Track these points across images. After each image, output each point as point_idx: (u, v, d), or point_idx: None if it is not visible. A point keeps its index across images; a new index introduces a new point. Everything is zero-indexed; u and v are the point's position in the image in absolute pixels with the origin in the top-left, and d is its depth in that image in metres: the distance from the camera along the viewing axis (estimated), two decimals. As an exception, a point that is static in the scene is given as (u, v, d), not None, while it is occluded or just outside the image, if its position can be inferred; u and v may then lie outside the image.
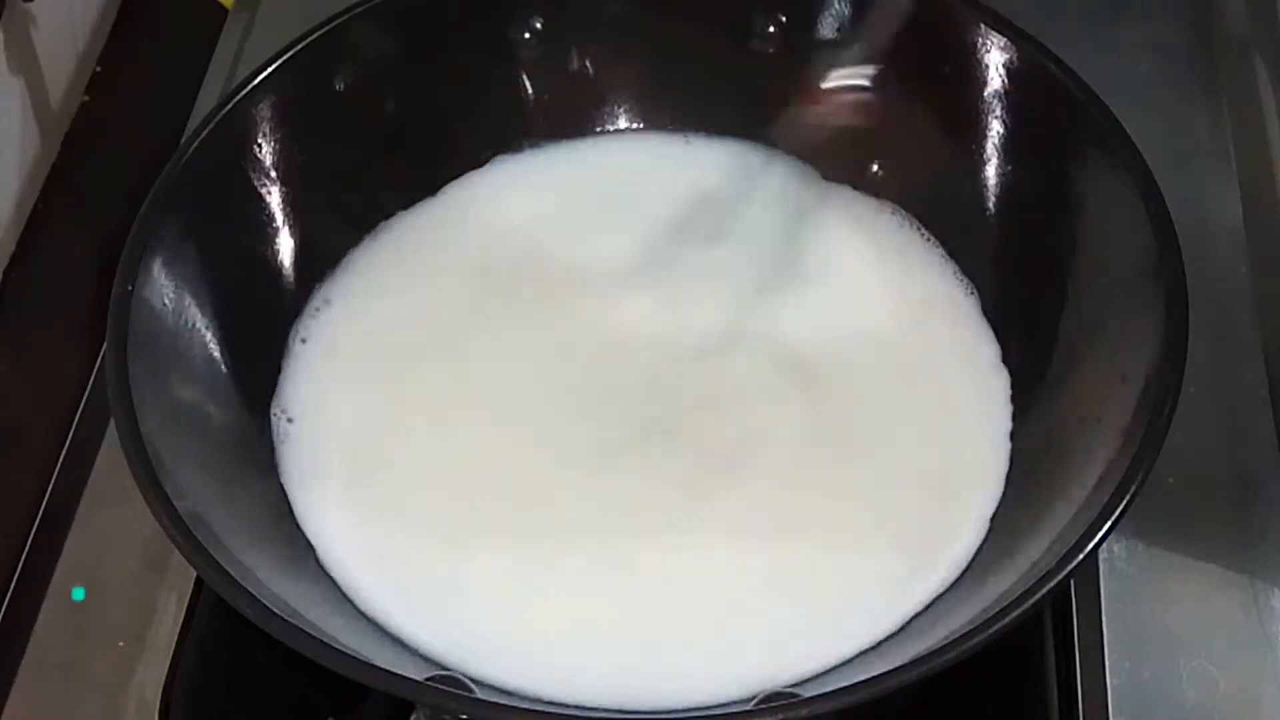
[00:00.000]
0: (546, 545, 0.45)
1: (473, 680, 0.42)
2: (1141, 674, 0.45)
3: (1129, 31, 0.61)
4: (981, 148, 0.50)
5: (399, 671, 0.37)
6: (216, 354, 0.47)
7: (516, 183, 0.54)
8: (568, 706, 0.42)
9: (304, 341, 0.50)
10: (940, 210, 0.52)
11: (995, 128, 0.50)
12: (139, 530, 0.48)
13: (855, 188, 0.53)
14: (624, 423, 0.48)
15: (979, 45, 0.49)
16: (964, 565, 0.44)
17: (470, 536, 0.46)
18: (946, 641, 0.37)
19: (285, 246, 0.50)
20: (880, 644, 0.43)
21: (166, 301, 0.45)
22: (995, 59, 0.49)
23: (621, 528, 0.46)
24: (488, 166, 0.54)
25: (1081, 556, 0.38)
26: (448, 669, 0.42)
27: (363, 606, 0.44)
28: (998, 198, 0.50)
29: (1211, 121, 0.58)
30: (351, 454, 0.48)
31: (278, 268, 0.50)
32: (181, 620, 0.47)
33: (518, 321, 0.50)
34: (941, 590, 0.44)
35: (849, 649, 0.43)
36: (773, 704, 0.38)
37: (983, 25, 0.49)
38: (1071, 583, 0.47)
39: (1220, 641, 0.46)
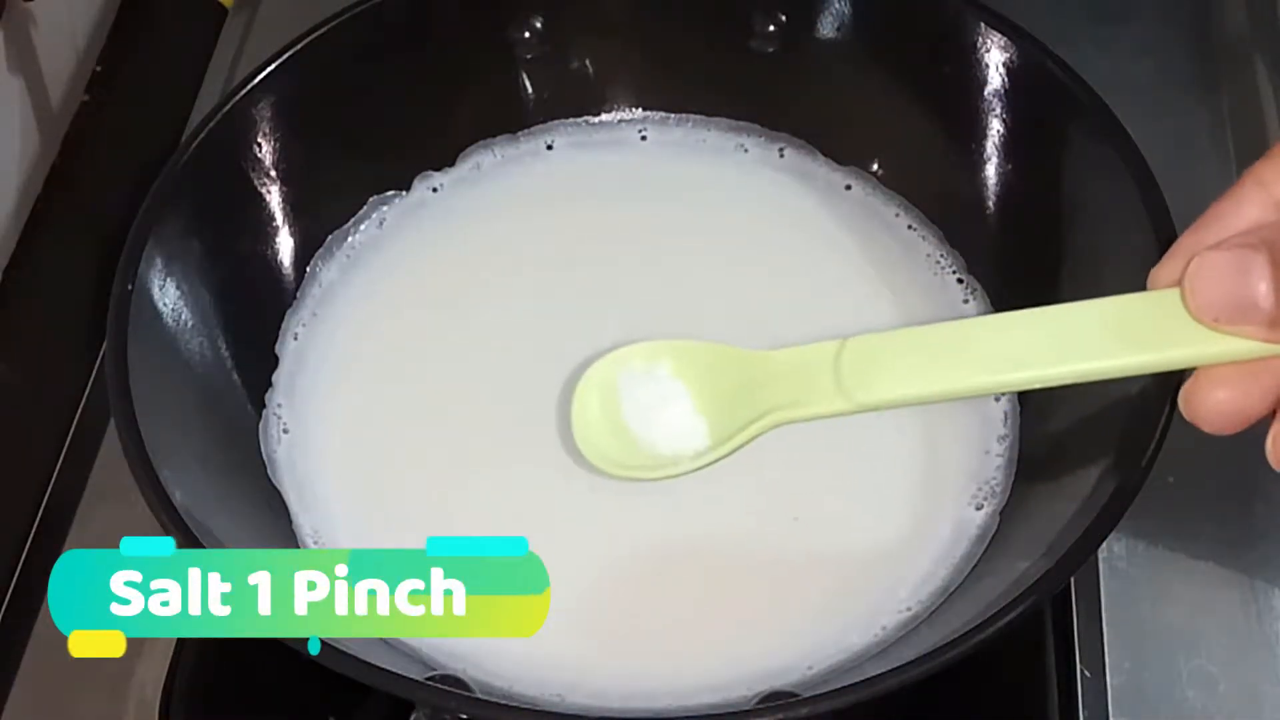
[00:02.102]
0: (548, 545, 0.45)
1: (472, 680, 0.42)
2: (1141, 674, 0.45)
3: (1129, 31, 0.61)
4: (981, 147, 0.50)
5: (399, 671, 0.37)
6: (216, 353, 0.47)
7: (515, 181, 0.54)
8: (567, 706, 0.42)
9: (303, 340, 0.50)
10: (940, 210, 0.52)
11: (995, 127, 0.50)
12: (139, 530, 0.48)
13: (855, 188, 0.53)
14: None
15: (979, 45, 0.49)
16: (964, 566, 0.44)
17: (469, 535, 0.46)
18: (946, 641, 0.37)
19: (285, 245, 0.51)
20: (880, 644, 0.43)
21: (166, 301, 0.45)
22: (995, 59, 0.49)
23: (622, 528, 0.46)
24: (487, 164, 0.54)
25: (1082, 557, 0.38)
26: (448, 669, 0.42)
27: (362, 606, 0.44)
28: (998, 197, 0.50)
29: (1211, 121, 0.58)
30: (349, 452, 0.48)
31: (277, 266, 0.50)
32: (181, 620, 0.47)
33: (520, 316, 0.50)
34: (941, 591, 0.44)
35: (849, 649, 0.43)
36: (773, 704, 0.38)
37: (983, 25, 0.49)
38: (1071, 583, 0.47)
39: (1220, 641, 0.46)
